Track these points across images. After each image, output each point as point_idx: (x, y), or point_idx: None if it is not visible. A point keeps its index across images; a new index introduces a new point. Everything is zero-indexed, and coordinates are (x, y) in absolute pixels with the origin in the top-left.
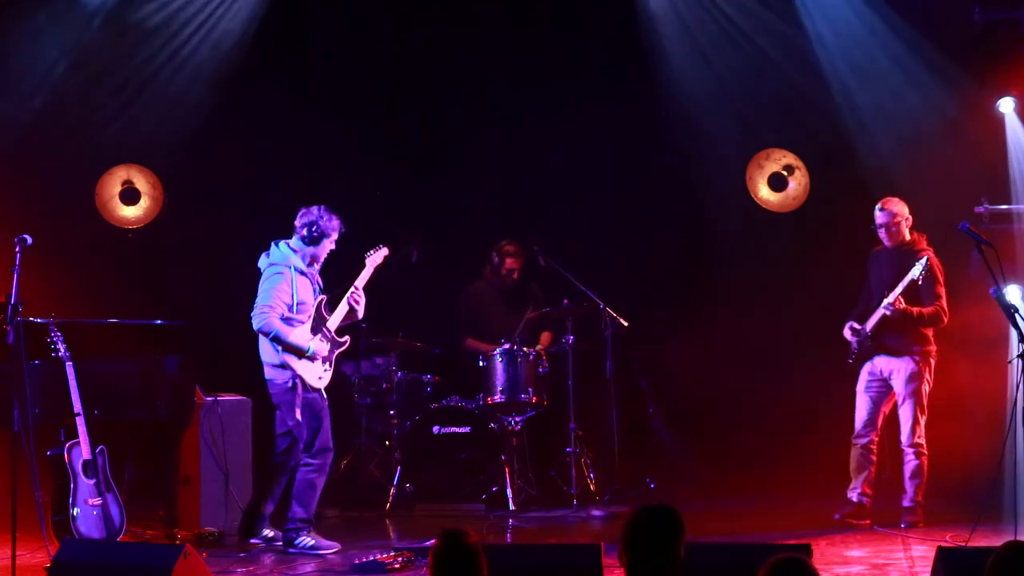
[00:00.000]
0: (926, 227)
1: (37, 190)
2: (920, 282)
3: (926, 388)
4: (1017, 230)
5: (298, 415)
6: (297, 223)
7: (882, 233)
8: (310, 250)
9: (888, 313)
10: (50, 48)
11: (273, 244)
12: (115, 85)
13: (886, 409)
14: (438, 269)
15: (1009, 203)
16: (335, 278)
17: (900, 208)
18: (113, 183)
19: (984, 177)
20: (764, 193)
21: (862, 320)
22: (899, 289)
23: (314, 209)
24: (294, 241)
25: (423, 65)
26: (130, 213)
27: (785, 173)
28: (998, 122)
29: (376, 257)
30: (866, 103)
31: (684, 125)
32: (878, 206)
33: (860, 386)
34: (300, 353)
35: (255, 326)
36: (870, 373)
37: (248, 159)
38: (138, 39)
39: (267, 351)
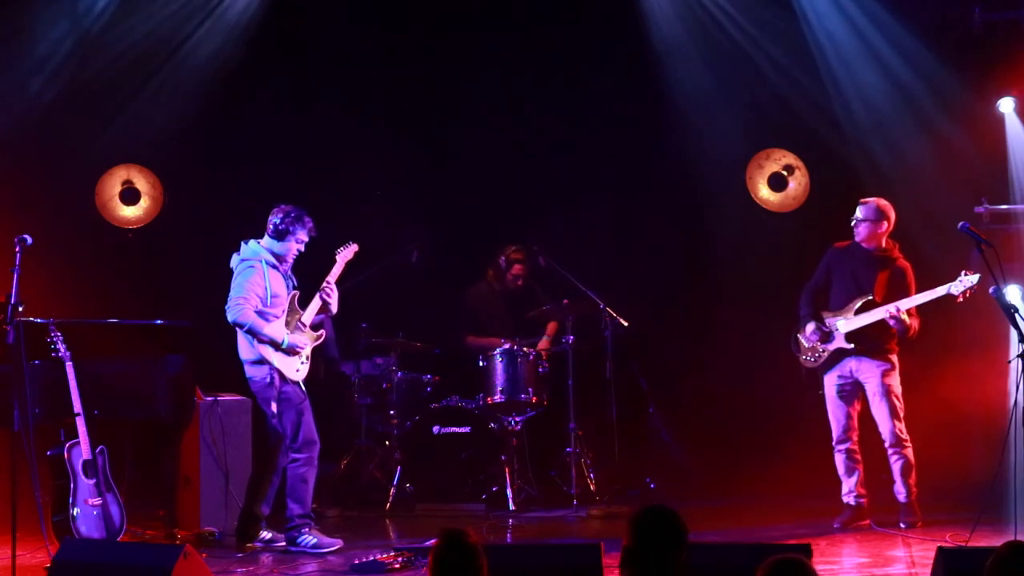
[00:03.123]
0: (926, 227)
1: (37, 190)
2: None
3: (898, 381)
4: (1016, 230)
5: (274, 408)
6: (268, 219)
7: (862, 228)
8: (277, 246)
9: (892, 324)
10: (50, 48)
11: (243, 242)
12: (115, 85)
13: (859, 408)
14: (438, 269)
15: (1009, 203)
16: (310, 277)
17: (889, 212)
18: (113, 183)
19: (984, 177)
20: (764, 193)
21: (819, 320)
22: (919, 300)
23: (284, 207)
24: (264, 238)
25: (423, 63)
26: (130, 213)
27: (785, 173)
28: (998, 122)
29: (347, 253)
30: (866, 103)
31: (684, 125)
32: (864, 201)
33: (830, 391)
34: (276, 345)
35: (230, 319)
36: (840, 376)
37: (248, 159)
38: (139, 38)
39: (244, 348)
